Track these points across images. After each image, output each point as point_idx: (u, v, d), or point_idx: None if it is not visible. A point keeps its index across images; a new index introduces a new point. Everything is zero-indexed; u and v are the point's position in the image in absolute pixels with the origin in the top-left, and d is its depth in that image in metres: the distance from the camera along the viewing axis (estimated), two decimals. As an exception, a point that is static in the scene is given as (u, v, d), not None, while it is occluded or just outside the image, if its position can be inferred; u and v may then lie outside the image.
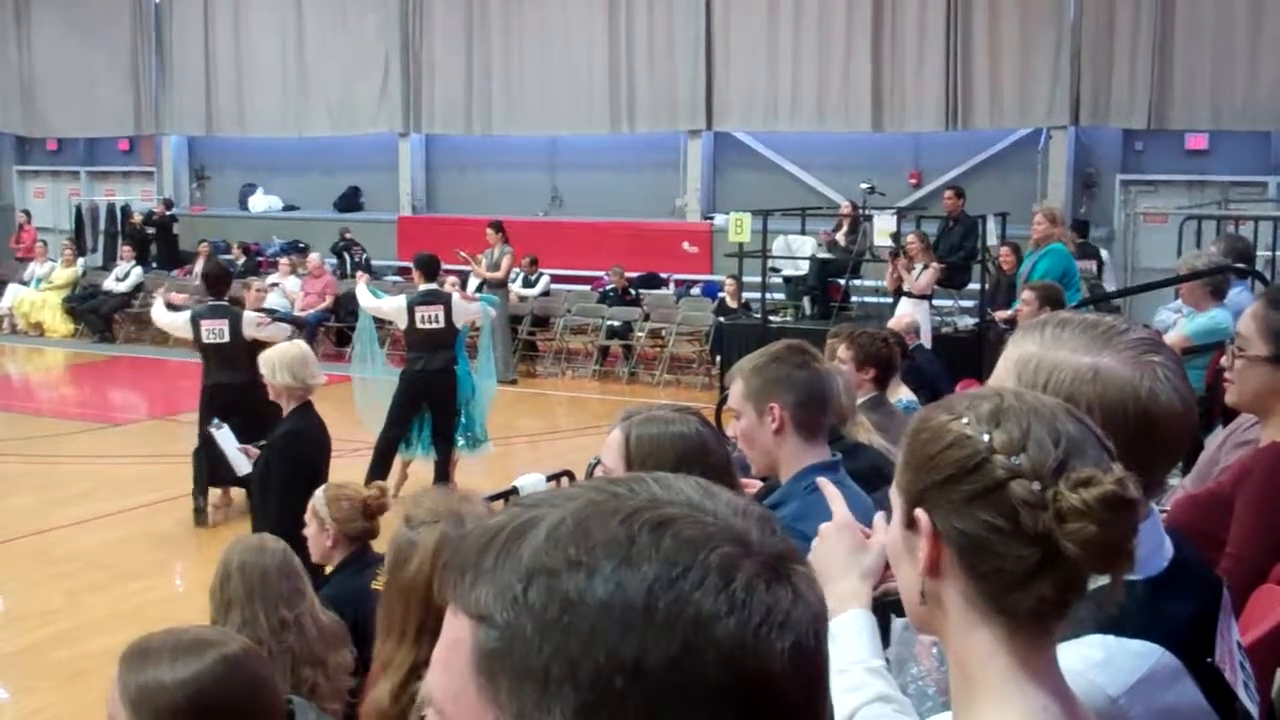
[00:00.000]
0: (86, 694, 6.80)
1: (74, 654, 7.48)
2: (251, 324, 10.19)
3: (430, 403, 10.67)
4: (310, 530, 4.73)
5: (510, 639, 0.91)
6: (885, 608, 2.12)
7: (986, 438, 1.44)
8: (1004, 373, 1.85)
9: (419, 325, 10.62)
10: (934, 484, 1.47)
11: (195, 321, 10.21)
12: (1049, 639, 1.45)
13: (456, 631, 0.95)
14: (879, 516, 2.11)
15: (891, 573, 1.73)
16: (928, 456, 1.48)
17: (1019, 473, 1.42)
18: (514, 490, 7.32)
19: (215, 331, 10.11)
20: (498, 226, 16.48)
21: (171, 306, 11.56)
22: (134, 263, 20.37)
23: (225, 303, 10.42)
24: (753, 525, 0.97)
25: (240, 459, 7.25)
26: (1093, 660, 1.62)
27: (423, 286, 10.82)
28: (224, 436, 7.41)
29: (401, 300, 10.95)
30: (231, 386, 9.54)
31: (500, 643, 0.92)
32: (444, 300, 10.66)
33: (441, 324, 10.60)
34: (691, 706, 0.89)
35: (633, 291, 17.60)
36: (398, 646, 2.78)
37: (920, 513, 1.47)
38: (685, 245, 18.85)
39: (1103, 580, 1.47)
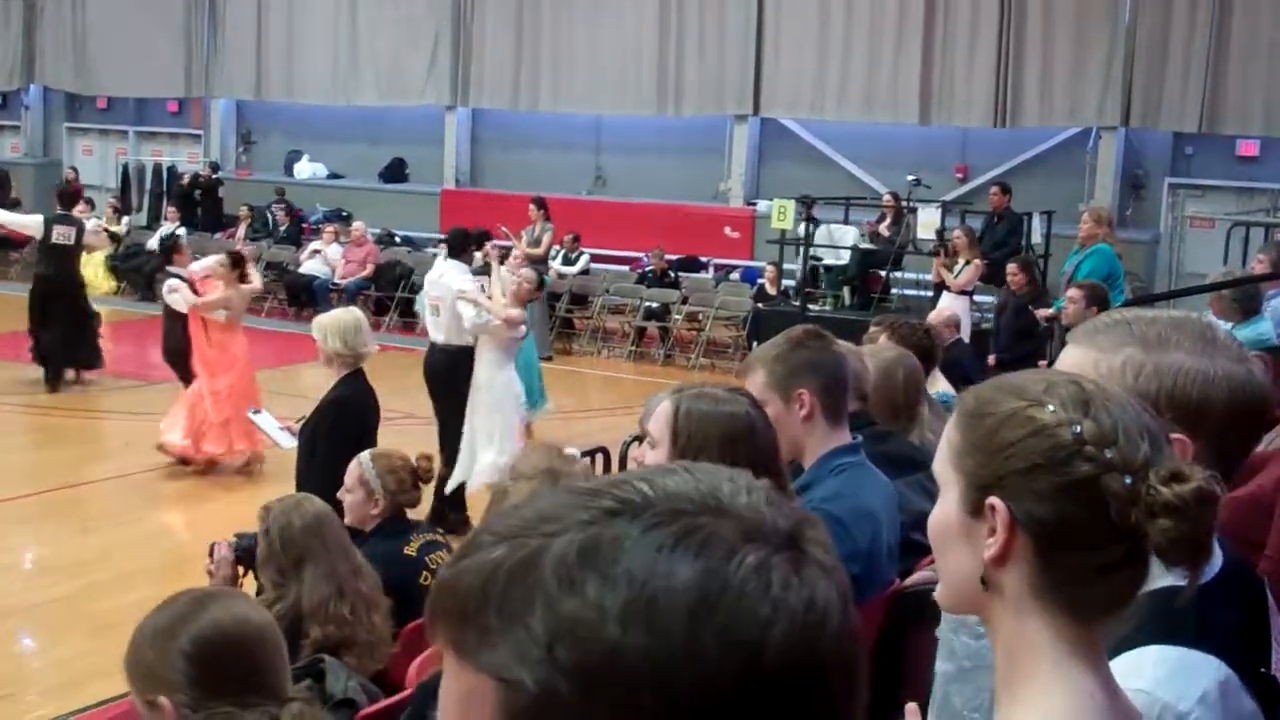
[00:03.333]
0: (116, 646, 6.86)
1: (105, 606, 7.54)
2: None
3: None
4: (355, 497, 4.73)
5: (547, 700, 0.85)
6: (920, 596, 2.10)
7: (1077, 429, 1.41)
8: (1098, 374, 1.77)
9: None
10: (1013, 472, 1.43)
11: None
12: (1101, 630, 1.45)
13: (468, 686, 0.89)
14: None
15: (929, 560, 1.69)
16: (1005, 443, 1.44)
17: (1112, 466, 1.39)
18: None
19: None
20: (540, 203, 16.50)
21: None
22: (178, 224, 20.47)
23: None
24: (761, 503, 0.92)
25: (284, 436, 7.26)
26: (1158, 678, 1.60)
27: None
28: (263, 419, 7.43)
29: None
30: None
31: (535, 704, 0.86)
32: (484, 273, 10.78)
33: None
34: (759, 717, 0.86)
35: (672, 274, 17.57)
36: None
37: (997, 501, 1.44)
38: (727, 230, 18.80)
39: (1157, 584, 1.46)
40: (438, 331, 9.60)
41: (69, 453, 11.01)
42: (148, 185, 24.11)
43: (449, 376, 9.31)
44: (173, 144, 25.14)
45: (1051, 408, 1.43)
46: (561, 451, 3.29)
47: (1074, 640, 1.42)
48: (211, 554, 4.37)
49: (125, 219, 21.49)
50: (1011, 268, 12.33)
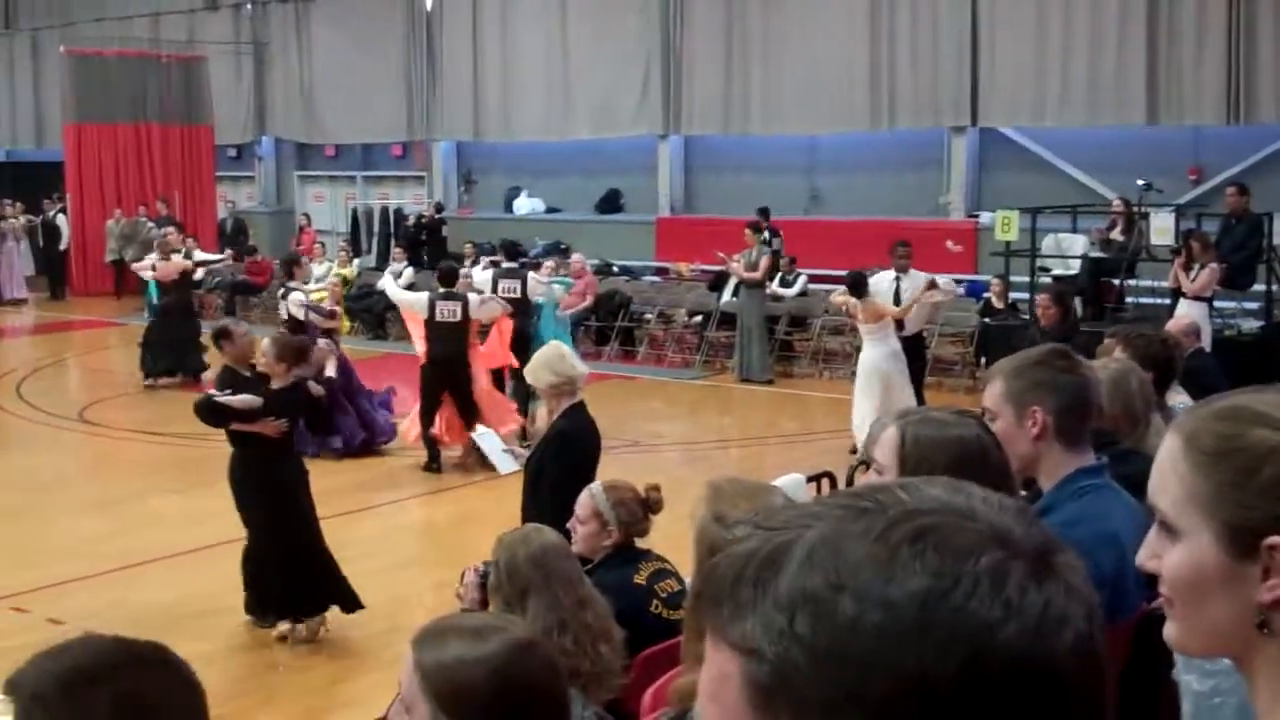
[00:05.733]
0: (355, 677, 7.07)
1: (342, 639, 7.77)
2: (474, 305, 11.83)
3: None
4: (589, 528, 4.75)
5: (784, 672, 0.89)
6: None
7: None
8: None
9: (502, 295, 13.17)
10: None
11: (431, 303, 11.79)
12: None
13: (722, 664, 0.93)
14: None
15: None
16: (1276, 480, 1.34)
17: None
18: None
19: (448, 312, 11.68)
20: (756, 227, 16.44)
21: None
22: (406, 263, 21.08)
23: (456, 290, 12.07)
24: (1012, 519, 0.93)
25: (505, 460, 7.31)
26: None
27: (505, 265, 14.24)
28: (486, 440, 7.49)
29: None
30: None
31: (773, 677, 0.89)
32: (520, 276, 13.62)
33: (519, 294, 13.36)
34: (984, 717, 0.87)
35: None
36: None
37: None
38: (949, 244, 18.43)
39: None
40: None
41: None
42: (375, 228, 24.96)
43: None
44: (398, 187, 25.99)
45: None
46: (764, 485, 3.20)
47: None
48: (463, 579, 4.48)
49: (356, 261, 22.26)
50: (1042, 299, 10.77)
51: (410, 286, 20.50)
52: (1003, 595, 0.88)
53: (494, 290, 13.28)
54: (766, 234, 18.09)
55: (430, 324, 11.71)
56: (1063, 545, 0.95)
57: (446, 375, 11.36)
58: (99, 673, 1.74)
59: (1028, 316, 14.73)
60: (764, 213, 18.43)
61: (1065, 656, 0.90)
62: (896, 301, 12.41)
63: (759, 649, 0.90)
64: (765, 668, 0.89)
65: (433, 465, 11.53)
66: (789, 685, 0.89)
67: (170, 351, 16.39)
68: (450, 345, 11.55)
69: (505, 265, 13.99)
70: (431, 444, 11.57)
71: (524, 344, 12.89)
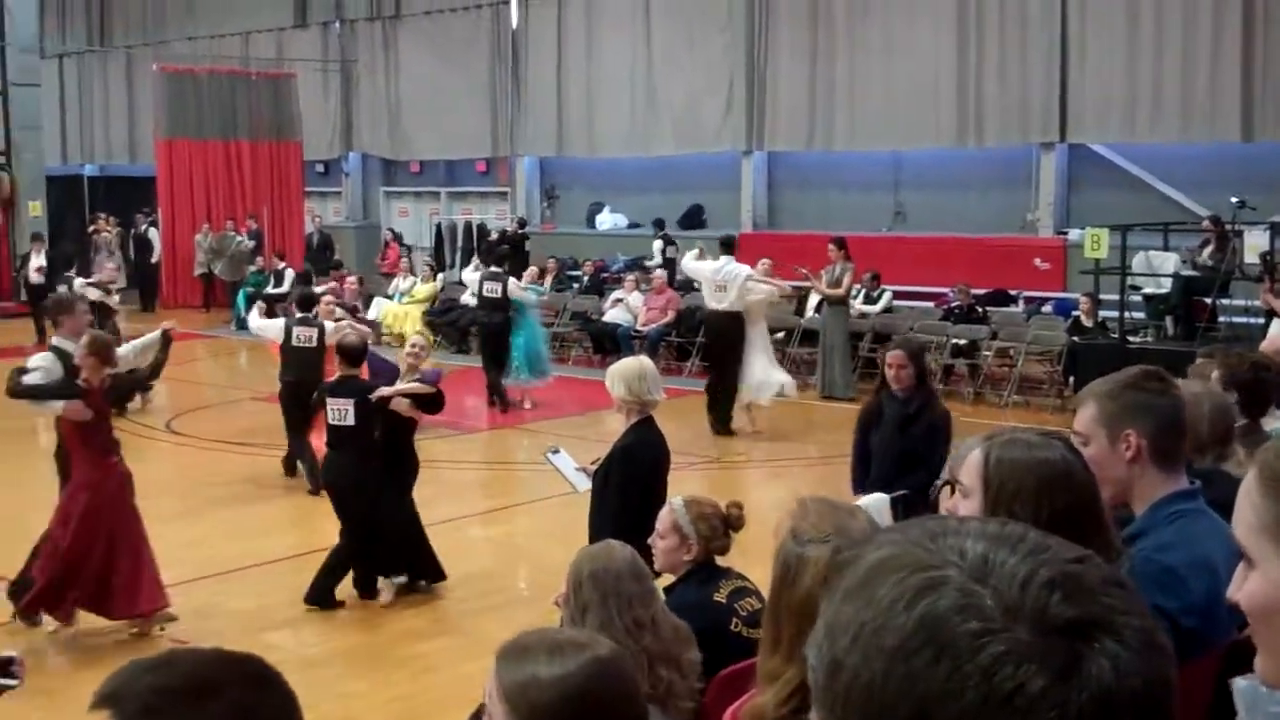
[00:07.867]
0: (437, 688, 7.07)
1: (426, 649, 7.78)
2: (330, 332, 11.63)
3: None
4: (668, 543, 4.70)
5: (814, 683, 0.98)
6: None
7: None
8: None
9: (484, 294, 15.49)
10: None
11: (288, 329, 11.70)
12: None
13: None
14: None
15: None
16: None
17: None
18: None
19: (304, 338, 11.60)
20: (840, 243, 16.33)
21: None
22: (488, 279, 21.17)
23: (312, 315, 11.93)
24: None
25: (579, 478, 7.24)
26: None
27: (490, 269, 15.78)
28: (561, 460, 7.42)
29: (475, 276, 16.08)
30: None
31: (814, 683, 0.98)
32: (502, 280, 15.43)
33: (499, 295, 15.29)
34: None
35: (979, 309, 17.08)
36: (786, 662, 2.76)
37: None
38: (1037, 262, 18.18)
39: None
40: (720, 303, 14.09)
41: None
42: (459, 243, 25.11)
43: (735, 332, 13.95)
44: (482, 202, 26.15)
45: None
46: (847, 507, 3.15)
47: None
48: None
49: (440, 275, 22.41)
50: (895, 357, 7.51)
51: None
52: (969, 666, 0.89)
53: (479, 290, 15.54)
54: (662, 241, 20.29)
55: (285, 349, 11.65)
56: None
57: (299, 398, 10.92)
58: (214, 686, 1.66)
59: (1116, 335, 14.48)
60: (659, 224, 20.31)
61: None
62: None
63: (810, 659, 0.99)
64: (811, 674, 0.99)
65: (289, 471, 11.82)
66: (816, 694, 0.98)
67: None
68: (304, 370, 11.37)
69: (490, 270, 15.67)
70: (292, 464, 11.82)
71: (504, 338, 15.36)
